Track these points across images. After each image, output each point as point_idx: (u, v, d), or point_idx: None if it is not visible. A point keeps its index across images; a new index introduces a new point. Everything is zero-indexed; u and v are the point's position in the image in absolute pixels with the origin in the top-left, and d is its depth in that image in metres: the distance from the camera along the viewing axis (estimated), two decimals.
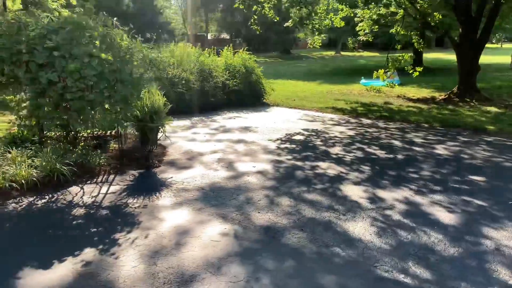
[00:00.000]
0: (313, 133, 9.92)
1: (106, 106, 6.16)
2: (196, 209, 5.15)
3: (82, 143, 6.94)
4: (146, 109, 6.73)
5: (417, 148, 8.35)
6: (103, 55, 5.84)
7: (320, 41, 18.18)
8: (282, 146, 8.63)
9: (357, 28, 21.89)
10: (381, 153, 7.97)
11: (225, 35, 55.69)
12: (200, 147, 8.48)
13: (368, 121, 11.56)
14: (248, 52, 15.91)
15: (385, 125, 10.88)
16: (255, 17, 16.14)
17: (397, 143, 8.84)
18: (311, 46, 18.69)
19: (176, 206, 5.28)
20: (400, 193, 5.73)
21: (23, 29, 5.77)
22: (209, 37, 56.44)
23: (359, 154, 7.95)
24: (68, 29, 5.82)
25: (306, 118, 12.18)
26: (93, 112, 6.05)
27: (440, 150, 8.20)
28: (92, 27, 6.13)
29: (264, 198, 5.55)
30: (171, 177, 6.44)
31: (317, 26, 16.88)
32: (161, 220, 4.84)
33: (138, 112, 6.69)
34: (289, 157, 7.73)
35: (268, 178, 6.45)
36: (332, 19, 17.30)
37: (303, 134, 9.79)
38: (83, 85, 5.70)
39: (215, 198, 5.53)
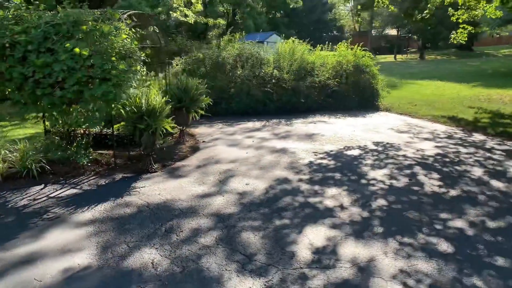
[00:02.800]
0: (379, 148, 7.95)
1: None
2: (100, 243, 4.41)
3: (81, 140, 6.83)
4: (135, 110, 6.22)
5: (502, 187, 5.82)
6: (77, 50, 5.53)
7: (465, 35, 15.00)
8: (318, 161, 7.08)
9: None
10: (432, 186, 5.79)
11: (392, 31, 51.60)
12: (230, 154, 7.61)
13: (480, 138, 8.78)
14: (363, 49, 13.98)
15: (495, 145, 8.06)
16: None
17: (479, 173, 6.35)
18: (455, 41, 15.58)
19: (87, 225, 4.63)
20: None
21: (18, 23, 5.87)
22: (373, 34, 53.14)
23: (400, 183, 5.92)
24: (48, 23, 5.70)
25: (402, 128, 9.97)
26: (64, 108, 5.82)
27: None
28: (81, 21, 5.89)
29: (192, 231, 4.46)
30: (143, 187, 5.81)
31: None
32: (43, 239, 4.27)
33: (123, 112, 6.23)
34: (305, 177, 6.25)
35: (240, 202, 5.24)
36: None
37: (364, 149, 7.93)
38: (51, 81, 5.50)
39: (140, 224, 4.68)
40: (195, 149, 8.07)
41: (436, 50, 44.67)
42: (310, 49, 14.58)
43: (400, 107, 12.95)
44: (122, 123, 6.49)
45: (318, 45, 14.88)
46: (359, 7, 36.20)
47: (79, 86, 5.62)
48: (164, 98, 6.72)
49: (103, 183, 5.94)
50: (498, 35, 41.54)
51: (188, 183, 5.95)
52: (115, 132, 7.06)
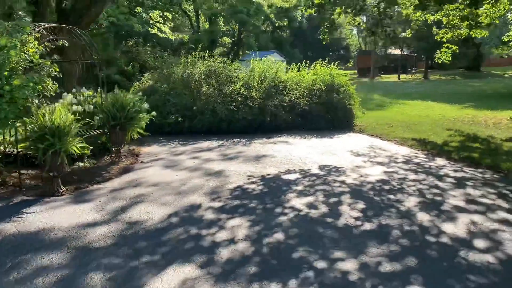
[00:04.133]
0: (321, 172, 7.35)
1: None
2: None
3: None
4: (36, 128, 5.78)
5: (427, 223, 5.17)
6: None
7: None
8: (246, 186, 6.53)
9: None
10: (348, 218, 5.16)
11: (395, 50, 50.89)
12: (158, 177, 7.11)
13: (440, 163, 8.09)
14: (337, 67, 13.46)
15: (451, 172, 7.37)
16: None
17: (411, 203, 5.69)
18: (439, 61, 14.96)
19: None
20: None
21: None
22: (378, 53, 52.46)
23: (316, 214, 5.31)
24: None
25: (362, 150, 9.34)
26: None
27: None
28: None
29: (38, 269, 3.94)
30: (32, 212, 5.33)
31: None
32: None
33: (20, 130, 5.80)
34: (218, 204, 5.69)
35: (122, 233, 4.71)
36: None
37: (305, 173, 7.34)
38: None
39: None
40: (126, 170, 7.59)
41: (443, 70, 43.78)
42: (288, 68, 14.16)
43: (375, 128, 12.31)
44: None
45: (315, 63, 14.16)
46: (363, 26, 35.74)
47: None
48: (73, 116, 6.27)
49: None
50: (506, 56, 40.65)
51: (84, 210, 5.45)
52: (27, 152, 6.62)
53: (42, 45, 6.09)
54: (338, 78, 13.26)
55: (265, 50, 39.68)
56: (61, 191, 6.14)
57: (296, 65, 14.19)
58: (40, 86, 5.94)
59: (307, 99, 12.33)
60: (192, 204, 5.69)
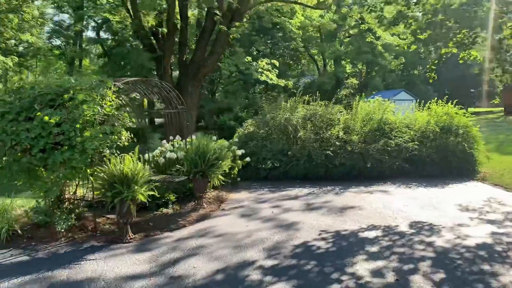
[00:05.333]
0: (410, 231, 6.28)
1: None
2: None
3: (69, 204, 6.88)
4: (106, 176, 6.08)
5: None
6: (46, 118, 5.74)
7: None
8: (312, 243, 5.88)
9: None
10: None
11: None
12: (229, 227, 6.88)
13: None
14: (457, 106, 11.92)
15: None
16: None
17: (508, 279, 4.41)
18: None
19: None
20: None
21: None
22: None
23: (378, 283, 4.43)
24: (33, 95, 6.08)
25: (474, 205, 7.87)
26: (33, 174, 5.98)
27: None
28: (66, 90, 6.16)
29: None
30: (92, 259, 5.49)
31: None
32: None
33: (92, 178, 6.13)
34: (271, 263, 5.17)
35: None
36: None
37: (388, 231, 6.35)
38: (19, 148, 5.76)
39: None
40: (202, 218, 7.53)
41: None
42: (397, 109, 13.07)
43: (503, 177, 10.41)
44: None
45: (430, 102, 12.78)
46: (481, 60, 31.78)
47: (45, 153, 5.76)
48: (142, 164, 6.45)
49: (62, 252, 5.79)
50: None
51: (138, 260, 5.43)
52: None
53: (121, 98, 6.51)
54: (457, 118, 11.72)
55: (392, 89, 37.91)
56: (129, 238, 6.28)
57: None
58: (115, 137, 6.29)
59: (416, 142, 11.07)
60: (244, 261, 5.28)
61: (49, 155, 5.75)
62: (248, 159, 10.62)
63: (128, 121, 6.53)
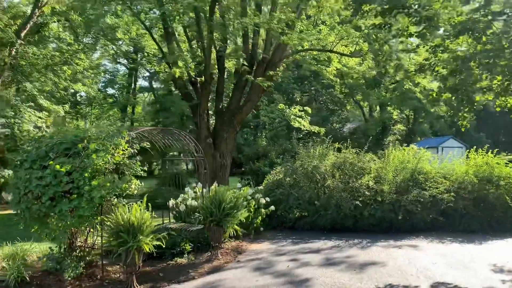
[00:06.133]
0: None
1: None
2: None
3: (80, 252, 6.92)
4: (112, 225, 6.11)
5: None
6: (57, 167, 5.95)
7: None
8: None
9: None
10: None
11: None
12: (236, 282, 6.64)
13: None
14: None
15: None
16: None
17: None
18: None
19: None
20: None
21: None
22: None
23: None
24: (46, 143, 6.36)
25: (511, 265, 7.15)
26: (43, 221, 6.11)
27: None
28: (80, 140, 6.40)
29: None
30: None
31: None
32: None
33: (99, 227, 6.17)
34: None
35: None
36: None
37: None
38: (31, 196, 5.97)
39: None
40: (214, 270, 7.33)
41: None
42: (434, 157, 12.45)
43: None
44: None
45: (468, 151, 12.17)
46: None
47: (54, 201, 5.92)
48: (149, 212, 6.44)
49: None
50: None
51: None
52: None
53: (133, 147, 6.65)
54: (498, 168, 10.96)
55: (441, 136, 36.57)
56: None
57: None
58: (126, 185, 6.38)
59: (453, 194, 10.39)
60: None
61: (57, 203, 5.90)
62: (272, 208, 10.40)
63: (140, 170, 6.63)
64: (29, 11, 17.70)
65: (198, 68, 16.98)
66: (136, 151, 6.71)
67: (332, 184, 11.01)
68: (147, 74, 37.82)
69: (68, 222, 5.99)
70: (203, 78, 16.76)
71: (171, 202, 9.59)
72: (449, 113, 43.96)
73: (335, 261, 7.74)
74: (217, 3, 13.98)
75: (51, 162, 6.03)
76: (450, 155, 13.26)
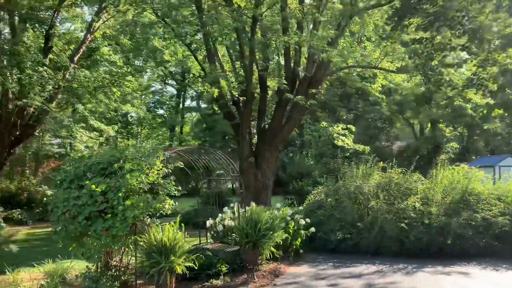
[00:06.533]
0: None
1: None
2: None
3: (116, 271, 6.94)
4: (145, 245, 6.10)
5: None
6: (93, 186, 6.06)
7: None
8: None
9: None
10: None
11: None
12: None
13: None
14: None
15: None
16: None
17: None
18: None
19: None
20: None
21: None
22: None
23: None
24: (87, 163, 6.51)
25: None
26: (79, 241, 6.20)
27: None
28: (116, 160, 6.51)
29: None
30: None
31: None
32: None
33: (131, 247, 6.17)
34: None
35: None
36: None
37: None
38: (68, 215, 6.10)
39: None
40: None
41: None
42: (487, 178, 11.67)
43: None
44: None
45: None
46: None
47: (89, 220, 6.01)
48: (182, 233, 6.38)
49: None
50: None
51: None
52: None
53: (167, 167, 6.68)
54: None
55: (498, 154, 34.50)
56: None
57: None
58: (160, 205, 6.40)
59: (508, 217, 9.64)
60: None
61: (92, 222, 5.99)
62: (313, 229, 10.10)
63: (174, 190, 6.63)
64: (82, 36, 18.68)
65: (240, 87, 17.12)
66: (170, 170, 6.73)
67: (376, 205, 10.56)
68: (194, 94, 38.76)
69: (103, 242, 6.05)
70: (245, 97, 16.84)
71: (209, 222, 9.54)
72: (505, 130, 41.70)
73: (377, 287, 7.31)
74: (257, 23, 14.08)
75: (87, 182, 6.15)
76: (506, 175, 12.39)
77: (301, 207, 11.44)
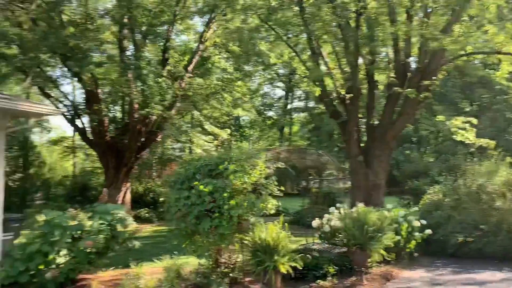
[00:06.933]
0: None
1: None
2: None
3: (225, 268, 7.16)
4: (250, 244, 6.24)
5: None
6: (201, 187, 6.40)
7: None
8: None
9: None
10: None
11: None
12: None
13: None
14: None
15: None
16: None
17: None
18: None
19: None
20: None
21: None
22: None
23: None
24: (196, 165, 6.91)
25: None
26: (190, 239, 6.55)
27: None
28: (221, 162, 6.80)
29: None
30: None
31: None
32: None
33: (236, 246, 6.33)
34: None
35: None
36: None
37: None
38: (180, 214, 6.52)
39: None
40: None
41: None
42: None
43: None
44: None
45: None
46: None
47: (198, 219, 6.36)
48: (284, 234, 6.38)
49: None
50: None
51: None
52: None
53: (269, 167, 6.78)
54: None
55: None
56: None
57: None
58: (263, 205, 6.52)
59: None
60: None
61: (201, 221, 6.32)
62: (429, 231, 9.41)
63: (276, 190, 6.70)
64: (195, 47, 19.96)
65: (346, 84, 16.72)
66: (272, 171, 6.82)
67: (503, 205, 9.46)
68: (302, 94, 38.90)
69: (211, 240, 6.35)
70: (351, 94, 16.40)
71: (316, 222, 9.44)
72: None
73: None
74: (361, 16, 13.62)
75: (196, 182, 6.52)
76: None
77: (416, 208, 10.73)
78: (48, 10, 14.30)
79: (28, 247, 6.81)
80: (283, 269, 6.19)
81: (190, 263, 7.91)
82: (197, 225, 6.39)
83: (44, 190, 23.09)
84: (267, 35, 19.62)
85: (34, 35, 13.75)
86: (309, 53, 17.34)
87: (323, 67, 16.60)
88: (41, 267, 6.73)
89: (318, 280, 7.60)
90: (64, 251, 6.84)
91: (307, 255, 7.52)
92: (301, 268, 6.76)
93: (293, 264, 6.37)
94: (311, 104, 37.17)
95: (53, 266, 6.73)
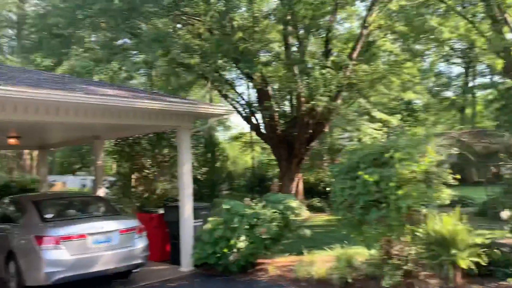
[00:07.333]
0: None
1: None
2: None
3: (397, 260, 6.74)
4: (421, 237, 5.80)
5: None
6: (365, 176, 6.25)
7: None
8: None
9: None
10: None
11: None
12: None
13: None
14: None
15: None
16: None
17: None
18: None
19: None
20: None
21: None
22: None
23: None
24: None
25: None
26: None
27: None
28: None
29: None
30: None
31: None
32: None
33: (408, 238, 5.92)
34: None
35: None
36: None
37: None
38: (346, 204, 6.48)
39: None
40: None
41: None
42: None
43: None
44: None
45: None
46: None
47: (364, 209, 6.24)
48: (462, 227, 5.72)
49: None
50: None
51: None
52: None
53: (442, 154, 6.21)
54: None
55: None
56: None
57: None
58: (436, 194, 6.04)
59: None
60: None
61: (367, 211, 6.18)
62: None
63: (451, 178, 6.12)
64: (358, 33, 19.41)
65: None
66: (446, 157, 6.24)
67: None
68: (485, 69, 34.25)
69: (379, 231, 6.16)
70: None
71: (506, 213, 8.27)
72: None
73: None
74: None
75: (360, 172, 6.40)
76: None
77: None
78: (220, 19, 15.72)
79: (214, 232, 7.76)
80: (463, 264, 5.62)
81: (360, 253, 7.82)
82: (364, 215, 6.27)
83: (229, 181, 25.76)
84: (437, 8, 17.93)
85: (211, 43, 15.33)
86: (489, 22, 15.24)
87: (508, 35, 14.42)
88: (225, 250, 7.60)
89: (510, 279, 6.68)
90: (243, 237, 7.58)
91: (496, 251, 6.68)
92: (486, 264, 6.02)
93: (475, 259, 5.72)
94: (498, 79, 32.47)
95: (235, 250, 7.53)
